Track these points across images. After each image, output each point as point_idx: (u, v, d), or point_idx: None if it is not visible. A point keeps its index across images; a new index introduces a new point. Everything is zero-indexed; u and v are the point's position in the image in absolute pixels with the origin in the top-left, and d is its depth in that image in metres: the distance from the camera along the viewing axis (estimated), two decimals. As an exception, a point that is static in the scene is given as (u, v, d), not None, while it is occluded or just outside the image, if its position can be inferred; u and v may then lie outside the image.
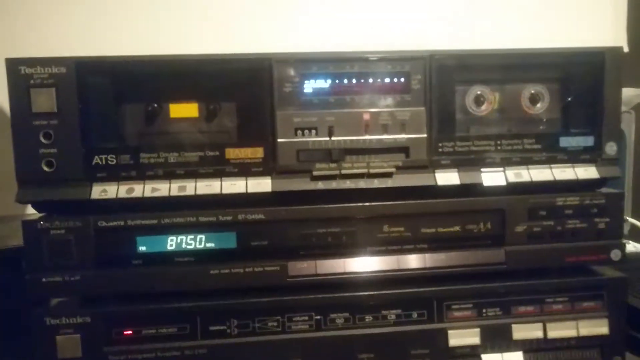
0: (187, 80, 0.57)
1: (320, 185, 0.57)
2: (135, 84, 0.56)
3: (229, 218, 0.56)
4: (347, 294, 0.58)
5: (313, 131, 0.57)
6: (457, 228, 0.59)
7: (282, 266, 0.57)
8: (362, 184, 0.58)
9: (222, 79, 0.57)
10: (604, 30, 1.02)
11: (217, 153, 0.56)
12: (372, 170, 0.57)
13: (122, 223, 0.55)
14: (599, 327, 0.60)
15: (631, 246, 0.88)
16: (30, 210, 0.86)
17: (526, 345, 0.59)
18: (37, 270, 0.54)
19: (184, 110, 0.57)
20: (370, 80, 0.58)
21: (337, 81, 0.57)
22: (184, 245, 0.57)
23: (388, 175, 0.58)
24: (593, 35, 1.00)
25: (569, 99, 0.61)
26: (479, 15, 0.96)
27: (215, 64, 0.57)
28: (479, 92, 0.60)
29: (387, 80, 0.58)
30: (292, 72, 0.56)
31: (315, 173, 0.57)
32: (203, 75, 0.57)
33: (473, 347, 0.58)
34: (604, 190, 0.62)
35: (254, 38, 0.90)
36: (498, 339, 0.59)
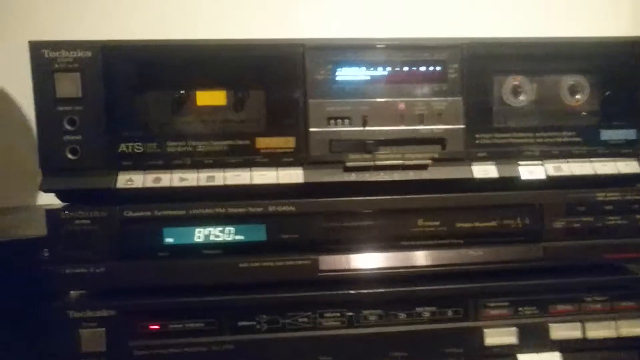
0: (215, 66, 0.54)
1: (353, 176, 0.55)
2: (162, 70, 0.54)
3: (259, 210, 0.54)
4: (380, 290, 0.56)
5: (346, 121, 0.55)
6: (493, 223, 0.57)
7: (313, 260, 0.55)
8: (397, 175, 0.56)
9: (252, 66, 0.55)
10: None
11: (248, 142, 0.54)
12: (407, 162, 0.55)
13: (148, 214, 0.53)
14: (639, 328, 0.58)
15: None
16: (41, 200, 0.85)
17: (563, 345, 0.57)
18: (59, 262, 0.53)
19: (212, 97, 0.55)
20: (406, 69, 0.56)
21: (371, 69, 0.55)
22: (211, 238, 0.55)
23: (423, 167, 0.56)
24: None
25: (609, 91, 0.59)
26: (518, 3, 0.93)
27: (245, 49, 0.55)
28: (516, 83, 0.58)
29: (423, 68, 0.56)
30: (325, 59, 0.54)
31: (348, 164, 0.55)
32: (232, 61, 0.54)
33: (509, 347, 0.56)
34: (646, 185, 0.60)
35: (283, 24, 0.87)
36: (535, 338, 0.57)
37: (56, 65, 0.51)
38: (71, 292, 0.56)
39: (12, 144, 0.85)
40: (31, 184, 0.83)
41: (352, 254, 0.56)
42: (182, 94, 0.54)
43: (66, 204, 0.56)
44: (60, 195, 0.55)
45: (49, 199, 0.81)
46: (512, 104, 0.58)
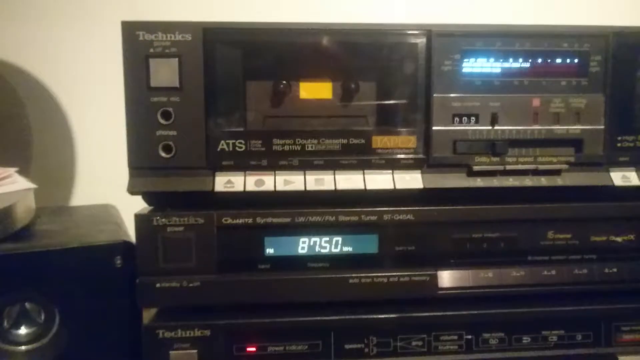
0: (324, 54, 0.48)
1: (479, 182, 0.49)
2: (271, 57, 0.47)
3: (372, 218, 0.48)
4: (502, 311, 0.50)
5: (473, 118, 0.49)
6: (631, 236, 0.51)
7: (431, 276, 0.49)
8: (528, 181, 0.49)
9: (369, 54, 0.48)
10: None
11: (362, 141, 0.48)
12: (539, 166, 0.49)
13: (249, 221, 0.47)
14: None
15: None
16: (75, 201, 0.79)
17: None
18: (150, 274, 0.46)
19: (320, 90, 0.48)
20: (541, 60, 0.49)
21: (503, 60, 0.49)
22: (317, 249, 0.48)
23: (557, 172, 0.50)
24: None
25: None
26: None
27: (365, 34, 0.48)
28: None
29: (560, 60, 0.49)
30: (453, 47, 0.48)
31: (475, 168, 0.49)
32: (349, 48, 0.48)
33: (648, 377, 0.50)
34: None
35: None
36: (677, 367, 0.51)
37: (151, 50, 0.45)
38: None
39: (47, 142, 0.79)
40: (63, 181, 0.79)
41: (475, 269, 0.49)
42: (289, 84, 0.48)
43: (151, 207, 0.49)
44: (148, 197, 0.49)
45: (83, 199, 0.77)
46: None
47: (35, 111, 0.77)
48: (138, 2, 0.73)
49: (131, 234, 0.50)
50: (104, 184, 0.64)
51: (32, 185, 0.61)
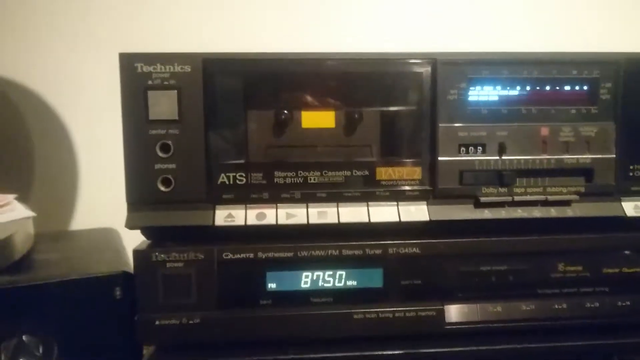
0: (326, 83, 0.47)
1: (487, 213, 0.47)
2: (272, 87, 0.46)
3: (377, 252, 0.47)
4: (512, 346, 0.48)
5: (480, 148, 0.47)
6: (645, 268, 0.49)
7: (439, 310, 0.47)
8: (537, 212, 0.48)
9: (372, 83, 0.47)
10: None
11: (366, 172, 0.47)
12: (549, 197, 0.48)
13: (251, 255, 0.46)
14: None
15: None
16: (76, 225, 0.79)
17: None
18: (150, 310, 0.45)
19: (323, 119, 0.47)
20: (549, 88, 0.48)
21: (510, 89, 0.48)
22: (320, 283, 0.47)
23: (567, 203, 0.48)
24: None
25: None
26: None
27: (368, 64, 0.47)
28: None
29: (569, 88, 0.48)
30: (459, 75, 0.47)
31: (482, 199, 0.47)
32: (352, 78, 0.47)
33: (665, 416, 0.48)
34: None
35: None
36: (694, 404, 0.49)
37: (150, 82, 0.44)
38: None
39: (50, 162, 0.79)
40: (64, 203, 0.78)
41: (484, 303, 0.48)
42: (292, 114, 0.46)
43: (150, 242, 0.48)
44: (147, 232, 0.48)
45: (83, 224, 0.76)
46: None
47: (38, 131, 0.77)
48: (136, 30, 0.73)
49: (132, 262, 0.49)
50: (107, 205, 0.63)
51: (31, 214, 0.60)
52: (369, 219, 0.46)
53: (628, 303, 0.49)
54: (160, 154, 0.45)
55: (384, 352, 0.47)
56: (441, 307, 0.47)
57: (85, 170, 0.79)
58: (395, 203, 0.47)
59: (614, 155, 0.48)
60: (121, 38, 0.73)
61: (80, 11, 0.76)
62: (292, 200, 0.46)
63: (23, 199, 0.62)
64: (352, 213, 0.47)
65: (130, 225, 0.45)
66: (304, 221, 0.46)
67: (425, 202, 0.47)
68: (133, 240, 0.49)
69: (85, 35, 0.76)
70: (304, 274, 0.47)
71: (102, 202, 0.72)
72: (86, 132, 0.78)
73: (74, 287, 0.52)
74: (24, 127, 0.77)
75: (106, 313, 0.48)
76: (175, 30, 0.75)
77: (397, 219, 0.47)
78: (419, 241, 0.47)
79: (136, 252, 0.45)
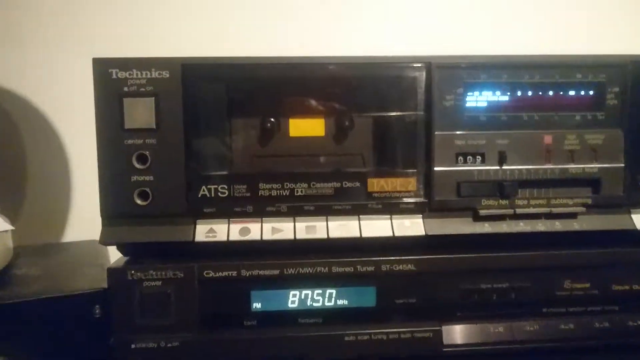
0: (315, 89, 0.44)
1: (487, 227, 0.44)
2: (256, 94, 0.44)
3: (370, 269, 0.44)
4: (516, 369, 0.45)
5: (479, 158, 0.45)
6: (657, 285, 0.46)
7: (436, 331, 0.44)
8: (541, 226, 0.45)
9: (364, 88, 0.44)
10: None
11: (358, 184, 0.44)
12: (553, 210, 0.44)
13: (234, 273, 0.43)
14: None
15: None
16: (68, 237, 0.76)
17: None
18: (126, 332, 0.42)
19: (312, 127, 0.44)
20: (552, 93, 0.45)
21: (511, 94, 0.45)
22: (309, 303, 0.44)
23: (572, 215, 0.45)
24: None
25: None
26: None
27: (360, 67, 0.44)
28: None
29: (574, 93, 0.45)
30: (455, 80, 0.44)
31: (482, 212, 0.44)
32: (343, 83, 0.44)
33: None
34: None
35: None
36: None
37: (125, 89, 0.41)
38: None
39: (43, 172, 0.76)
40: (54, 215, 0.75)
41: (484, 323, 0.45)
42: (278, 121, 0.44)
43: (127, 258, 0.45)
44: (123, 248, 0.45)
45: (75, 235, 0.73)
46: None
47: (30, 138, 0.75)
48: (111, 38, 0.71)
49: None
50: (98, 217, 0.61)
51: (8, 227, 0.57)
52: (361, 234, 0.44)
53: (638, 322, 0.46)
54: (137, 165, 0.42)
55: (378, 377, 0.44)
56: (439, 327, 0.44)
57: (78, 181, 0.77)
58: (389, 216, 0.44)
59: (623, 164, 0.45)
60: (116, 45, 0.70)
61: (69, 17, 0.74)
62: (278, 214, 0.43)
63: (14, 210, 0.59)
64: (343, 227, 0.44)
65: (105, 241, 0.42)
66: (291, 236, 0.43)
67: (420, 216, 0.44)
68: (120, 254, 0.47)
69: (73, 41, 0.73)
70: (292, 292, 0.44)
71: (94, 213, 0.70)
72: (80, 141, 0.75)
73: (52, 306, 0.49)
74: (16, 135, 0.74)
75: (86, 333, 0.45)
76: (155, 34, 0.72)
77: (391, 234, 0.44)
78: (414, 257, 0.44)
79: (111, 270, 0.42)
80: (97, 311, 0.46)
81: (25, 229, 0.64)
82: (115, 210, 0.43)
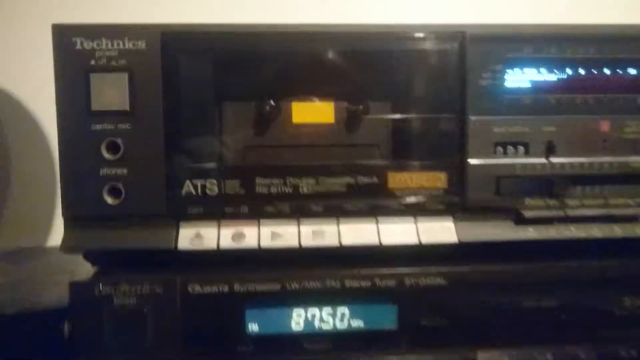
0: (323, 66, 0.38)
1: (532, 232, 0.38)
2: (251, 69, 0.37)
3: (390, 283, 0.36)
4: (565, 404, 0.38)
5: (522, 148, 0.38)
6: None
7: (469, 359, 0.37)
8: (597, 231, 0.38)
9: (382, 65, 0.38)
10: None
11: (375, 179, 0.37)
12: (613, 211, 0.37)
13: (225, 288, 0.36)
14: None
15: None
16: (53, 240, 0.70)
17: None
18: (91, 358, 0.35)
19: (319, 112, 0.38)
20: (610, 72, 0.38)
21: (560, 72, 0.38)
22: (316, 324, 0.37)
23: (634, 218, 0.38)
24: None
25: None
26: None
27: (376, 39, 0.38)
28: None
29: (636, 72, 0.39)
30: (494, 55, 0.37)
31: (525, 213, 0.37)
32: (357, 58, 0.38)
33: None
34: None
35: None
36: None
37: (92, 62, 0.35)
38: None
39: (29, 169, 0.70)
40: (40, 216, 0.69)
41: (527, 349, 0.38)
42: (278, 105, 0.38)
43: (96, 269, 0.38)
44: (91, 256, 0.38)
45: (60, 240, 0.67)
46: None
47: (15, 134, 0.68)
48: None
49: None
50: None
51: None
52: (380, 241, 0.37)
53: None
54: (107, 156, 0.35)
55: (399, 414, 0.37)
56: (473, 354, 0.38)
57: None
58: (413, 219, 0.38)
59: (694, 157, 0.38)
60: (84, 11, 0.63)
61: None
62: (279, 216, 0.37)
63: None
64: (357, 232, 0.37)
65: (67, 248, 0.35)
66: (295, 243, 0.37)
67: (451, 218, 0.38)
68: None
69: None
70: (295, 312, 0.37)
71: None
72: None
73: (14, 324, 0.43)
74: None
75: (54, 354, 0.40)
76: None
77: (417, 241, 0.37)
78: (444, 269, 0.37)
79: (74, 285, 0.35)
80: (66, 329, 0.40)
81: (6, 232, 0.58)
82: (80, 210, 0.36)
